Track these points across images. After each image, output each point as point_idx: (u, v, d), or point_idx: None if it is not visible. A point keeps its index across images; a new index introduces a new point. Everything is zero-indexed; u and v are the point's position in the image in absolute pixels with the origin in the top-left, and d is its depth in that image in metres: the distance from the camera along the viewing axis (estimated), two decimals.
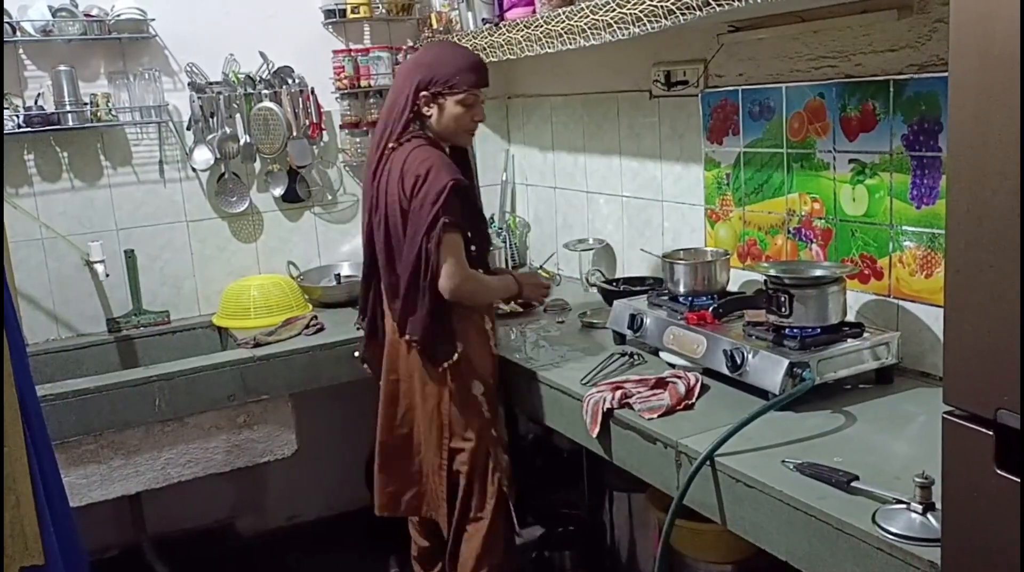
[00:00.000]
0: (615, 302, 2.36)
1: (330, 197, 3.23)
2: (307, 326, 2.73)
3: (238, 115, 2.97)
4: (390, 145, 2.12)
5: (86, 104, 2.73)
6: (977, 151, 0.98)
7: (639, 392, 1.85)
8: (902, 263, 1.94)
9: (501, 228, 3.29)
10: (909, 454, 1.55)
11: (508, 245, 3.24)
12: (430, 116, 2.12)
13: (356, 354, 2.43)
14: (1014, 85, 0.93)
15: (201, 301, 3.04)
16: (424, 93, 2.10)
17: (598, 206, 2.97)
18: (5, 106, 2.61)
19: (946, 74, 1.01)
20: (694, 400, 1.85)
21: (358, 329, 2.42)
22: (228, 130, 2.95)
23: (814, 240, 2.16)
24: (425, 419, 2.21)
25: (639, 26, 1.96)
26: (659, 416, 1.78)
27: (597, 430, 1.86)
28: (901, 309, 1.96)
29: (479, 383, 2.17)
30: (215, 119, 2.93)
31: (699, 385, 1.90)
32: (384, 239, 2.14)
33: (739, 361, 1.85)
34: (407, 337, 2.14)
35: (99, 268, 2.78)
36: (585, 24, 2.14)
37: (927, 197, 1.86)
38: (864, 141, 1.98)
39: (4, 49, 2.57)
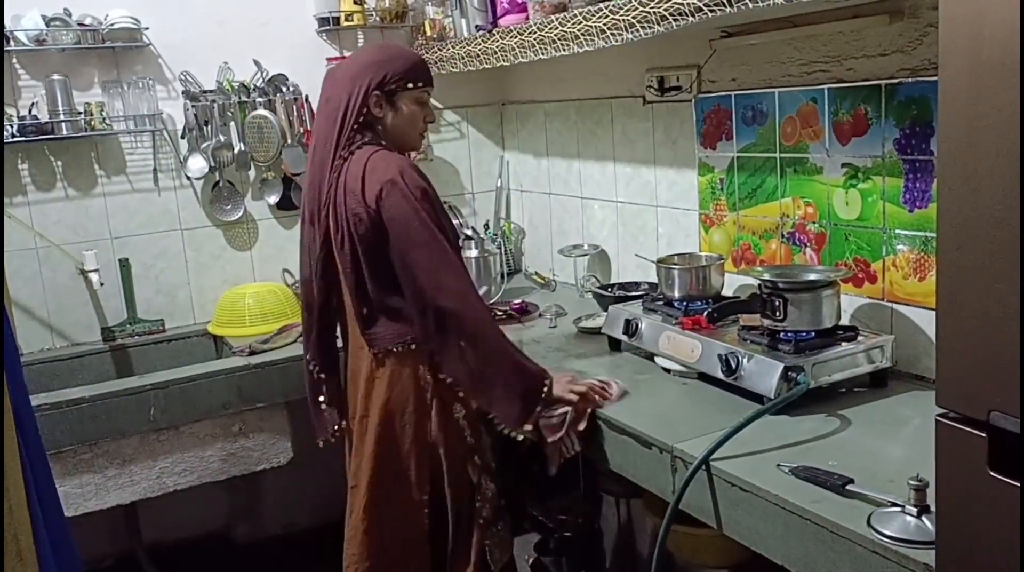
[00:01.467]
0: (610, 307, 2.36)
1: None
2: None
3: (232, 123, 2.97)
4: (340, 156, 1.92)
5: (80, 113, 2.73)
6: (967, 154, 0.98)
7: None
8: (895, 266, 1.95)
9: (496, 234, 3.30)
10: (904, 457, 1.55)
11: (503, 251, 3.24)
12: (382, 118, 1.96)
13: (321, 399, 2.13)
14: (1003, 88, 0.93)
15: (196, 309, 3.04)
16: (376, 93, 1.93)
17: (593, 212, 2.98)
18: None
19: (937, 78, 1.01)
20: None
21: (315, 371, 2.10)
22: (222, 138, 2.95)
23: (808, 244, 2.16)
24: (404, 453, 2.00)
25: (632, 32, 1.97)
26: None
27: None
28: (895, 312, 1.97)
29: (460, 405, 1.99)
30: (209, 127, 2.93)
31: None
32: (352, 262, 1.92)
33: (734, 365, 1.86)
34: (441, 372, 1.92)
35: (93, 277, 2.78)
36: (578, 30, 2.15)
37: (920, 200, 1.87)
38: (857, 145, 1.99)
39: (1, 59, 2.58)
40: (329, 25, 3.06)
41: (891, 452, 1.59)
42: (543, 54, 2.32)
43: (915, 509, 1.27)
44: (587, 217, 3.02)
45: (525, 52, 2.40)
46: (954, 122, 1.00)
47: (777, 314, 1.87)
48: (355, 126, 1.92)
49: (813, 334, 1.86)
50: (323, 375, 2.10)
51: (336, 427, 2.15)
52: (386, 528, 2.03)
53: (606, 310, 2.41)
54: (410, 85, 1.97)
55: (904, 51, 1.86)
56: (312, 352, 2.09)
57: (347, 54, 3.14)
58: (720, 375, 1.89)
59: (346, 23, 3.05)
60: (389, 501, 2.02)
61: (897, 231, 1.93)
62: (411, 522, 2.02)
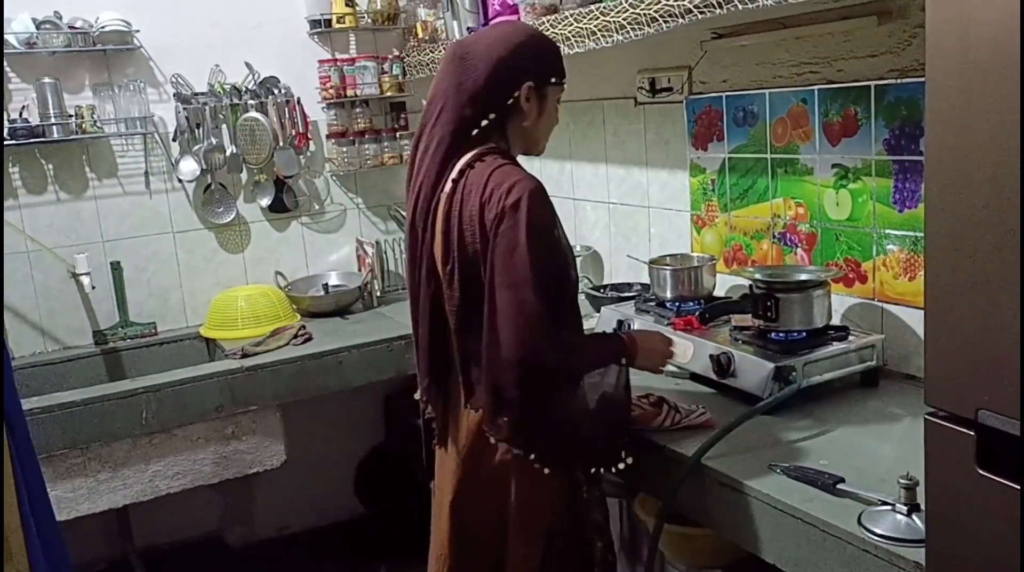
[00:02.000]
0: (603, 309, 2.36)
1: (317, 207, 3.23)
2: (295, 336, 2.73)
3: (224, 125, 2.97)
4: (463, 163, 1.58)
5: (71, 116, 2.73)
6: (955, 154, 0.99)
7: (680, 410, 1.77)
8: (886, 266, 1.96)
9: None
10: (894, 456, 1.56)
11: None
12: (527, 116, 1.62)
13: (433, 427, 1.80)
14: (991, 88, 0.94)
15: (188, 312, 3.03)
16: (530, 84, 1.59)
17: (585, 213, 2.98)
18: None
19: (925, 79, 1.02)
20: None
21: (433, 433, 1.78)
22: (214, 141, 2.95)
23: (799, 244, 2.17)
24: (511, 516, 1.66)
25: (622, 34, 1.97)
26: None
27: None
28: (885, 312, 1.98)
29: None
30: (201, 130, 2.93)
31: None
32: (462, 299, 1.59)
33: (726, 366, 1.86)
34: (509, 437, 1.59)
35: (85, 280, 2.77)
36: (569, 32, 2.15)
37: (909, 201, 1.88)
38: (846, 146, 2.00)
39: None
40: (321, 27, 3.06)
41: (882, 451, 1.59)
42: None
43: (905, 508, 1.28)
44: (579, 218, 3.02)
45: None
46: (942, 123, 1.00)
47: (769, 314, 1.88)
48: (489, 121, 1.59)
49: (804, 334, 1.87)
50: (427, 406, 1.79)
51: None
52: None
53: (599, 311, 2.42)
54: (559, 80, 1.66)
55: (893, 52, 1.87)
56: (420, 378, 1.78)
57: (339, 56, 3.14)
58: (712, 375, 1.89)
59: (338, 25, 3.05)
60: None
61: (887, 231, 1.94)
62: None
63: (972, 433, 1.00)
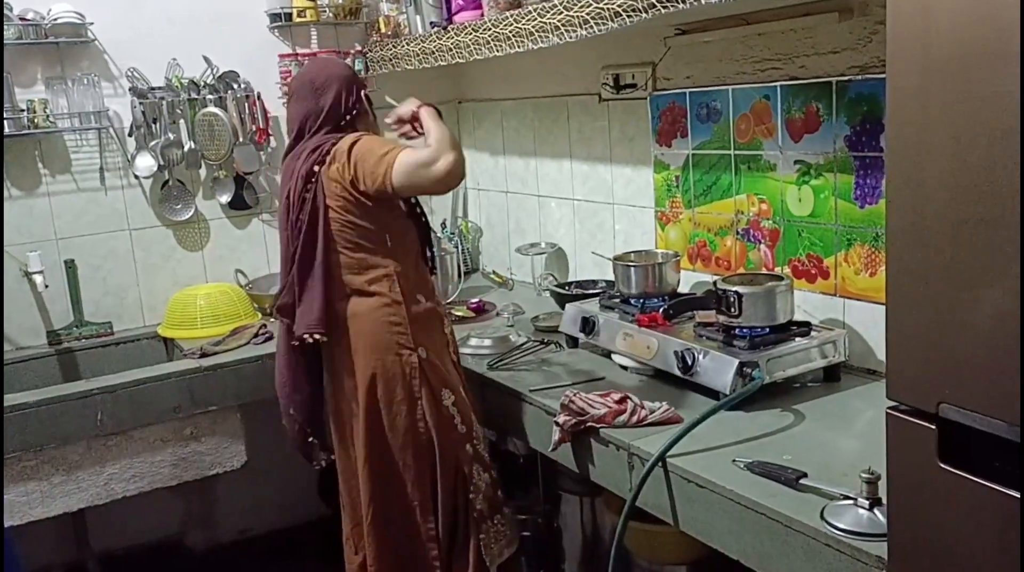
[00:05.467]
0: (567, 305, 2.35)
1: (278, 203, 3.18)
2: (256, 335, 2.68)
3: (182, 121, 2.91)
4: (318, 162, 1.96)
5: (23, 110, 2.65)
6: (915, 151, 0.99)
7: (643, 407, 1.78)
8: (847, 262, 1.97)
9: (453, 233, 3.28)
10: (856, 450, 1.57)
11: (460, 250, 3.22)
12: (365, 115, 2.08)
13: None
14: (951, 85, 0.94)
15: (146, 311, 2.97)
16: (364, 92, 2.07)
17: (550, 210, 2.98)
18: None
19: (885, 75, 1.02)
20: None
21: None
22: (172, 136, 2.88)
23: (762, 241, 2.18)
24: (400, 448, 1.97)
25: (586, 28, 1.96)
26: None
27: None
28: (848, 307, 1.99)
29: (449, 392, 1.98)
30: (158, 125, 2.87)
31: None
32: (304, 237, 2.01)
33: (690, 362, 1.86)
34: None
35: (38, 279, 2.70)
36: (533, 27, 2.14)
37: (870, 197, 1.89)
38: (808, 142, 2.01)
39: None
40: (281, 21, 3.01)
41: (844, 445, 1.60)
42: (498, 51, 2.31)
43: (867, 502, 1.28)
44: (544, 215, 3.01)
45: (480, 49, 2.39)
46: (902, 119, 1.00)
47: (732, 310, 1.88)
48: (346, 122, 2.03)
49: (768, 330, 1.88)
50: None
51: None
52: (393, 528, 2.02)
53: (563, 308, 2.41)
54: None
55: (854, 48, 1.88)
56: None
57: (300, 51, 3.10)
58: (676, 372, 1.89)
59: (298, 19, 3.00)
60: (392, 503, 2.00)
61: (849, 227, 1.95)
62: (414, 524, 2.00)
63: (933, 427, 1.01)
